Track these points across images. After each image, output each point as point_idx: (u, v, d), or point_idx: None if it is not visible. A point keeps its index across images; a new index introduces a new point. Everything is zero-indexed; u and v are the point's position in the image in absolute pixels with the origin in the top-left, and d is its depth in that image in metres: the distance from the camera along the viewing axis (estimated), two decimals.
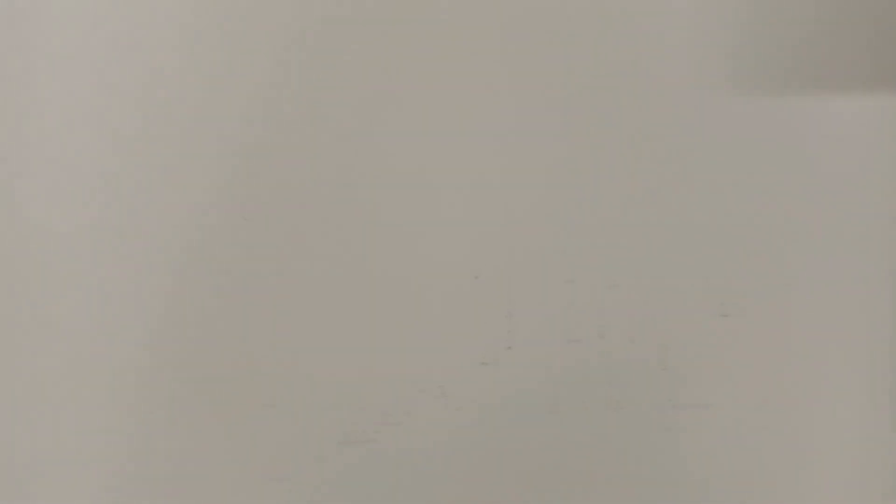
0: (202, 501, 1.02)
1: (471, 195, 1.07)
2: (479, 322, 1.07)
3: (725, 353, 1.06)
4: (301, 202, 1.05)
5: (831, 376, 1.05)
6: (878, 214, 1.04)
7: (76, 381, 1.00)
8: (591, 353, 1.08)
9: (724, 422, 1.05)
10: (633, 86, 1.06)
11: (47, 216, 0.98)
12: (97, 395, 1.01)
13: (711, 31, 1.05)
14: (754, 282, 1.07)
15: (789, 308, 1.07)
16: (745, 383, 1.06)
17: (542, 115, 1.06)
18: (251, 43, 1.02)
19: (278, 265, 1.05)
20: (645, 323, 1.07)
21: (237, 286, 1.04)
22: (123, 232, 1.00)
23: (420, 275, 1.07)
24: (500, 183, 1.07)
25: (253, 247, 1.04)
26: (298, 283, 1.05)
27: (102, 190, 1.00)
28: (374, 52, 1.03)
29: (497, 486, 1.07)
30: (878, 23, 0.99)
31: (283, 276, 1.05)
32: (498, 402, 1.08)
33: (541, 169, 1.07)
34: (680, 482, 1.06)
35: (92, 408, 1.01)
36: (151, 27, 0.99)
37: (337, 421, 1.05)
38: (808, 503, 1.04)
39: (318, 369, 1.05)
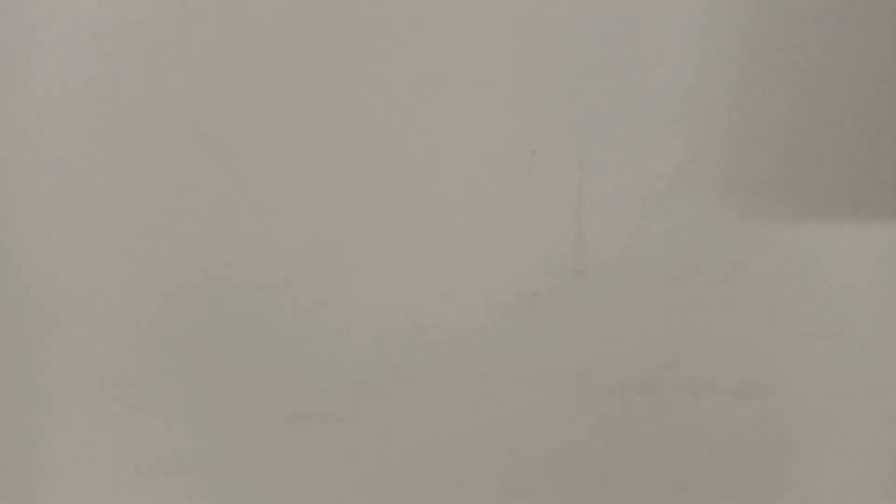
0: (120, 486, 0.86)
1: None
2: (532, 227, 0.83)
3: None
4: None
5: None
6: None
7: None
8: (711, 294, 0.83)
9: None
10: None
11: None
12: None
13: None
14: None
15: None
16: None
17: None
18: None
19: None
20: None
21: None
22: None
23: (437, 149, 0.82)
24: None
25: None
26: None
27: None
28: None
29: (524, 492, 0.85)
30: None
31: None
32: (546, 363, 0.84)
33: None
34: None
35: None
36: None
37: (293, 385, 0.84)
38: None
39: (268, 304, 0.84)
